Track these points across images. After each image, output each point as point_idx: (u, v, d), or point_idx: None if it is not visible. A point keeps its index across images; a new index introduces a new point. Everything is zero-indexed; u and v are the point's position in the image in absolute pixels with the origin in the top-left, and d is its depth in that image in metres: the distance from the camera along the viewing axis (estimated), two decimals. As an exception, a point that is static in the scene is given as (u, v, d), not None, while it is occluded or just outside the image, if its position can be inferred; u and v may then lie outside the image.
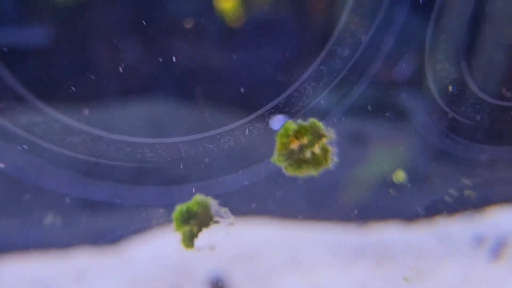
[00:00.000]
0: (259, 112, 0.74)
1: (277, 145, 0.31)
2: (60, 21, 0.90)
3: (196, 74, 0.90)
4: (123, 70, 0.90)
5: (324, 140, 0.31)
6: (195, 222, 0.33)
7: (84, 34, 0.89)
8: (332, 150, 0.31)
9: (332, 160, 0.31)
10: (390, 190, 0.89)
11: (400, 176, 0.83)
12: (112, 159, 0.85)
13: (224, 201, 0.94)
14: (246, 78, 0.90)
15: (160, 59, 0.90)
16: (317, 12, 0.94)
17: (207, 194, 0.95)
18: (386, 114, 0.91)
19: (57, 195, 0.88)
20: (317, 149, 0.31)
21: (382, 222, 0.95)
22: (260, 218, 0.93)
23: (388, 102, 0.92)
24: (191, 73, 0.90)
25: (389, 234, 0.94)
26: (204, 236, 0.34)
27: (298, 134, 0.30)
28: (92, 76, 0.89)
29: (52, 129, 0.83)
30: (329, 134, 0.31)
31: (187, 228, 0.34)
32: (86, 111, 0.87)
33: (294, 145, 0.31)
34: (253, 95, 0.85)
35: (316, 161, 0.31)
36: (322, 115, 0.85)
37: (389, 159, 0.93)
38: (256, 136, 0.86)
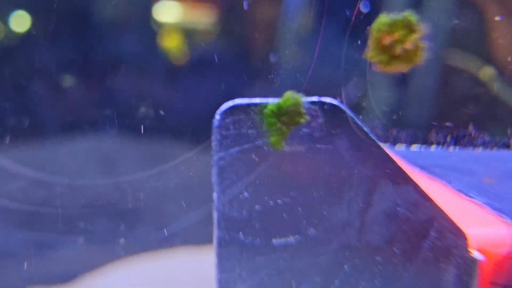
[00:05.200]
0: (204, 145, 0.74)
1: (370, 40, 0.30)
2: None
3: (140, 110, 0.90)
4: (66, 108, 0.88)
5: (416, 35, 0.30)
6: (285, 120, 0.32)
7: (24, 72, 0.87)
8: (424, 46, 0.31)
9: (423, 56, 0.31)
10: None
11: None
12: (55, 206, 0.83)
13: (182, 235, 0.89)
14: (190, 113, 0.91)
15: (104, 97, 0.89)
16: (260, 50, 0.97)
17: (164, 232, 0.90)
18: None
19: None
20: (408, 45, 0.30)
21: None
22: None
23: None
24: (135, 110, 0.89)
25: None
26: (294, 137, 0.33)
27: (390, 29, 0.30)
28: (32, 116, 0.87)
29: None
30: (422, 29, 0.30)
31: (276, 126, 0.32)
32: (26, 153, 0.85)
33: (386, 41, 0.30)
34: (197, 130, 0.86)
35: (407, 57, 0.30)
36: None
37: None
38: (202, 169, 0.86)
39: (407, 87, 0.89)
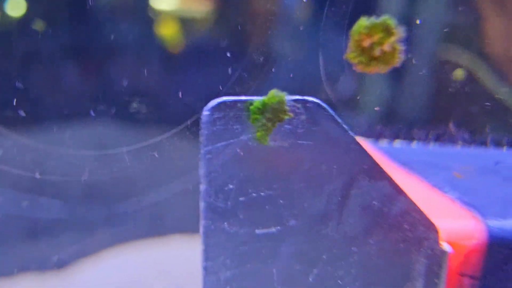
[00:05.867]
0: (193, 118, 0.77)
1: (351, 42, 0.32)
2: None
3: (137, 94, 0.92)
4: (66, 91, 0.89)
5: (394, 38, 0.32)
6: (270, 116, 0.34)
7: (25, 57, 0.90)
8: (401, 48, 0.33)
9: (400, 58, 0.33)
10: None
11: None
12: (60, 174, 0.86)
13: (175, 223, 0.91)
14: (184, 97, 0.93)
15: (103, 82, 0.90)
16: (255, 39, 0.99)
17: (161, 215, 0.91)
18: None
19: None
20: (386, 47, 0.32)
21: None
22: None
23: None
24: (132, 94, 0.92)
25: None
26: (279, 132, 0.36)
27: (370, 32, 0.32)
28: (36, 98, 0.90)
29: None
30: (399, 32, 0.32)
31: (261, 122, 0.34)
32: (20, 140, 0.87)
33: (365, 43, 0.32)
34: (190, 112, 0.87)
35: (385, 58, 0.32)
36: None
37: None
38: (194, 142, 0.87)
39: (393, 85, 0.91)
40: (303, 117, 0.36)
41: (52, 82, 0.90)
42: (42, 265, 0.88)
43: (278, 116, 0.36)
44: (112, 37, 0.94)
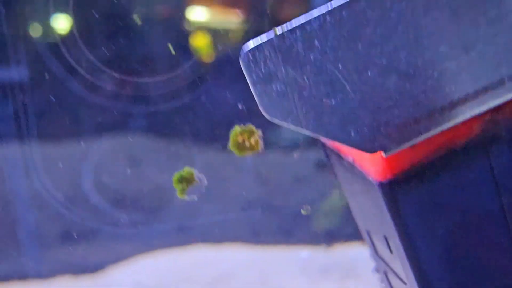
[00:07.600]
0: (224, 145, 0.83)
1: (231, 140, 0.51)
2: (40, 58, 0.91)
3: (170, 109, 0.93)
4: (97, 106, 0.92)
5: (256, 136, 0.52)
6: (185, 182, 0.54)
7: (58, 70, 0.90)
8: (260, 142, 0.51)
9: (260, 147, 0.52)
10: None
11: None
12: (93, 183, 0.92)
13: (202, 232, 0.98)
14: (219, 112, 0.92)
15: (135, 95, 0.93)
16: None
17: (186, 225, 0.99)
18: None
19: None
20: (252, 141, 0.50)
21: (347, 242, 0.97)
22: (234, 244, 0.98)
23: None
24: (165, 108, 0.93)
25: (355, 253, 0.96)
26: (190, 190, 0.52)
27: (242, 133, 0.54)
28: (66, 113, 0.93)
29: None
30: (259, 133, 0.51)
31: (180, 186, 0.54)
32: (58, 149, 0.92)
33: (240, 140, 0.52)
34: (221, 131, 0.90)
35: (251, 147, 0.51)
36: (289, 145, 0.96)
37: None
38: (230, 167, 0.95)
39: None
40: None
41: (87, 95, 0.90)
42: (77, 269, 0.92)
43: (190, 182, 0.56)
44: (149, 49, 0.95)
